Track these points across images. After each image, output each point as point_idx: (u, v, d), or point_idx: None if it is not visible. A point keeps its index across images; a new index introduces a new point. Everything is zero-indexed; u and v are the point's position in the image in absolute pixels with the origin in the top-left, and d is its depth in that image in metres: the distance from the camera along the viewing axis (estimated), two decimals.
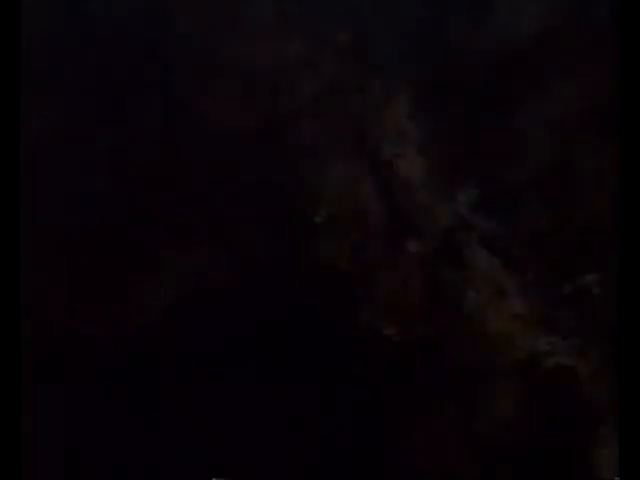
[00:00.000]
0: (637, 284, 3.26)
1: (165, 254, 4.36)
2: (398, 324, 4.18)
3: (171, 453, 4.04)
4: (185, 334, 4.20)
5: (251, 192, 4.48)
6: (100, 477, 3.99)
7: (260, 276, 4.33)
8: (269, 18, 4.72)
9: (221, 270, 4.34)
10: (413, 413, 4.04)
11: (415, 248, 4.33)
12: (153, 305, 4.27)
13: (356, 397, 4.08)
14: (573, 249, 4.22)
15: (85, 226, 4.39)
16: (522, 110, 4.47)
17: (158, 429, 4.08)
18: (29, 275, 3.87)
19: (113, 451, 4.04)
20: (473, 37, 4.67)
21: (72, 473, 3.98)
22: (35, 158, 4.32)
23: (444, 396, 4.06)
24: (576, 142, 4.36)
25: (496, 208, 4.33)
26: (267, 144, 4.54)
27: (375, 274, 4.29)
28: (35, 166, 4.31)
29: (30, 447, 3.70)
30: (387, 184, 4.46)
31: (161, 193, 4.45)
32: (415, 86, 4.63)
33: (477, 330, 4.12)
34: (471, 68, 4.62)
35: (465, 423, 3.99)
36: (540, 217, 4.30)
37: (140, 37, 4.64)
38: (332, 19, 4.73)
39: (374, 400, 4.07)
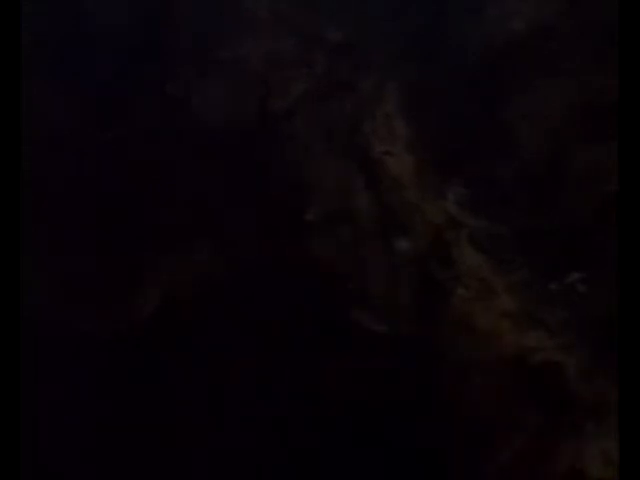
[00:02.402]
0: (632, 282, 3.29)
1: (162, 253, 4.38)
2: (387, 322, 4.21)
3: (170, 451, 4.06)
4: (183, 332, 4.21)
5: (243, 191, 4.49)
6: (99, 474, 4.00)
7: (251, 275, 4.35)
8: (262, 17, 4.74)
9: (215, 269, 4.36)
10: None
11: (405, 246, 4.35)
12: (152, 303, 4.30)
13: (348, 395, 4.11)
14: (561, 247, 4.25)
15: (84, 225, 4.40)
16: (513, 108, 4.51)
17: (156, 426, 4.09)
18: (29, 275, 3.87)
19: (112, 447, 4.06)
20: (463, 36, 4.69)
21: (72, 470, 3.98)
22: (34, 158, 4.30)
23: (433, 394, 4.10)
24: (566, 140, 4.40)
25: (486, 206, 4.36)
26: (259, 143, 4.56)
27: (365, 272, 4.31)
28: (34, 166, 4.29)
29: (30, 445, 3.70)
30: (377, 182, 4.48)
31: (159, 192, 4.46)
32: (405, 85, 4.66)
33: (466, 327, 4.16)
34: (461, 66, 4.65)
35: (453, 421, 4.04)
36: (529, 215, 4.33)
37: (137, 37, 4.65)
38: (324, 18, 4.76)
39: (366, 399, 4.10)
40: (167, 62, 4.63)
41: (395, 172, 4.48)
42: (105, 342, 4.14)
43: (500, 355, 4.08)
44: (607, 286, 3.95)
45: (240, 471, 3.95)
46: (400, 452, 3.95)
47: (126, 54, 4.63)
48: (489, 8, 4.71)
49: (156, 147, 4.49)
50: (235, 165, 4.50)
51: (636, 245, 3.26)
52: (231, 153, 4.52)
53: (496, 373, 4.05)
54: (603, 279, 4.03)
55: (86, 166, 4.44)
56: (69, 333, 4.15)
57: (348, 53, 4.72)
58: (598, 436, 3.84)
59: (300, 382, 4.08)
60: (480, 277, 4.26)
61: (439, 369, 4.08)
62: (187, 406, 4.06)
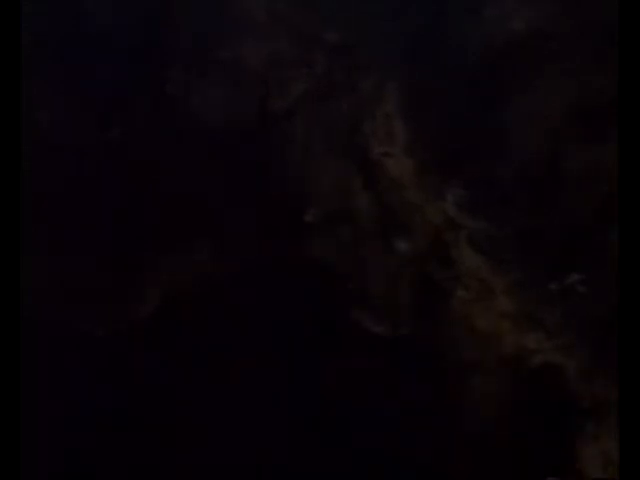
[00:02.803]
0: (632, 282, 3.28)
1: (162, 253, 4.38)
2: (387, 322, 4.21)
3: (170, 451, 4.06)
4: (183, 332, 4.21)
5: (243, 191, 4.49)
6: (99, 474, 3.99)
7: (251, 275, 4.34)
8: (262, 18, 4.74)
9: (215, 269, 4.36)
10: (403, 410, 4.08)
11: (404, 247, 4.35)
12: (152, 303, 4.29)
13: (346, 394, 4.10)
14: (561, 247, 4.25)
15: (84, 225, 4.39)
16: (513, 108, 4.50)
17: (156, 426, 4.09)
18: (29, 275, 3.87)
19: (112, 447, 4.05)
20: (463, 36, 4.69)
21: (72, 470, 3.98)
22: (35, 158, 4.30)
23: (431, 393, 4.10)
24: (566, 140, 4.40)
25: (485, 208, 4.36)
26: (259, 143, 4.56)
27: (365, 272, 4.31)
28: (35, 166, 4.30)
29: (31, 442, 3.70)
30: (377, 183, 4.48)
31: (159, 192, 4.46)
32: (405, 85, 4.65)
33: (465, 328, 4.16)
34: (461, 66, 4.65)
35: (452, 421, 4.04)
36: (529, 215, 4.33)
37: (137, 37, 4.65)
38: (324, 18, 4.76)
39: (364, 398, 4.10)
40: (167, 62, 4.64)
41: (395, 173, 4.48)
42: (105, 342, 4.14)
43: (500, 356, 4.08)
44: (607, 286, 3.95)
45: (240, 471, 3.95)
46: (400, 452, 3.95)
47: (126, 54, 4.63)
48: (489, 8, 4.70)
49: (156, 147, 4.49)
50: (235, 165, 4.50)
51: (636, 245, 3.26)
52: (231, 153, 4.52)
53: (496, 373, 4.05)
54: (603, 279, 4.03)
55: (86, 166, 4.43)
56: (69, 333, 4.15)
57: (348, 53, 4.72)
58: (598, 436, 3.84)
59: (300, 382, 4.08)
60: (479, 278, 4.26)
61: (439, 369, 4.08)
62: (187, 406, 4.05)
